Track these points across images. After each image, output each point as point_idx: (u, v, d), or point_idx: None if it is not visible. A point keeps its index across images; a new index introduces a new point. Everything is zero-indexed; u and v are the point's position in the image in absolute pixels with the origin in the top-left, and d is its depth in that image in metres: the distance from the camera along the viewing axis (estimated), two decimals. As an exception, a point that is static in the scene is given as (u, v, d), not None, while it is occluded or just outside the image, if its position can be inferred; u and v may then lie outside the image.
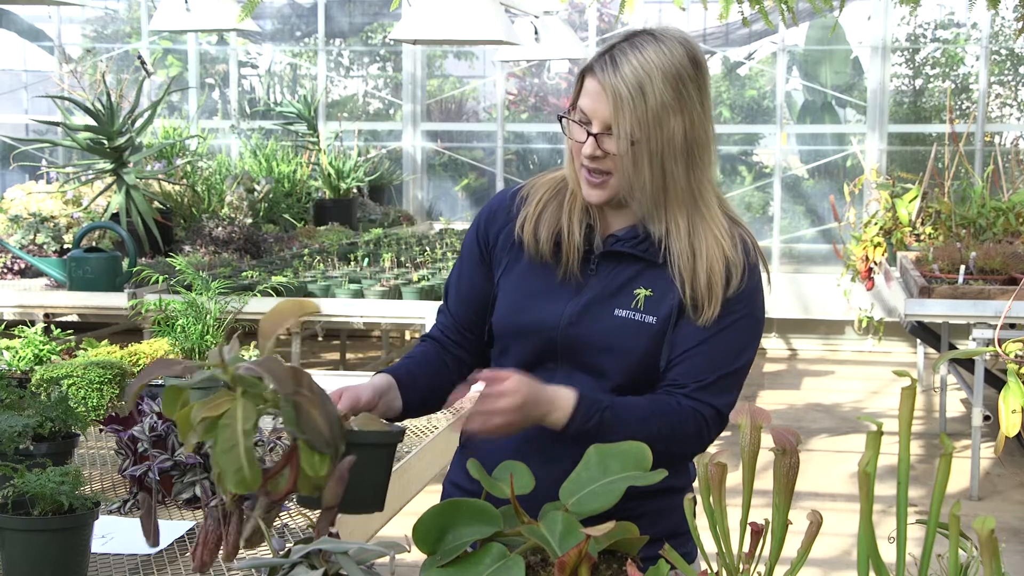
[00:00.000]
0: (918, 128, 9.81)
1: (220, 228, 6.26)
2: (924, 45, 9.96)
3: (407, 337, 9.48)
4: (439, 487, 2.27)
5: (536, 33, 7.71)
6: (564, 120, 2.00)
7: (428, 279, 5.50)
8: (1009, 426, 2.46)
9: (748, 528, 1.42)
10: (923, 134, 9.77)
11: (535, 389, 1.83)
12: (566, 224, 2.02)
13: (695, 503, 1.48)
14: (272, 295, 4.95)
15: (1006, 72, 9.99)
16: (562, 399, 1.86)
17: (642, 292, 1.98)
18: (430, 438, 2.79)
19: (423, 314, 5.20)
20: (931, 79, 10.00)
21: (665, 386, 1.96)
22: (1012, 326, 5.78)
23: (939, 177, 7.50)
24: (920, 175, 7.43)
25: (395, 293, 5.32)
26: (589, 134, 1.94)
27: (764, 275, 2.03)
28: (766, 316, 2.07)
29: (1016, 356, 2.73)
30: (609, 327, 1.97)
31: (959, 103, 9.76)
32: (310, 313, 1.58)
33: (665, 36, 1.98)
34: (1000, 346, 2.98)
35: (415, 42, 6.25)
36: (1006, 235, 6.38)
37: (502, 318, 2.07)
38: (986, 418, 5.52)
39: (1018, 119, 10.00)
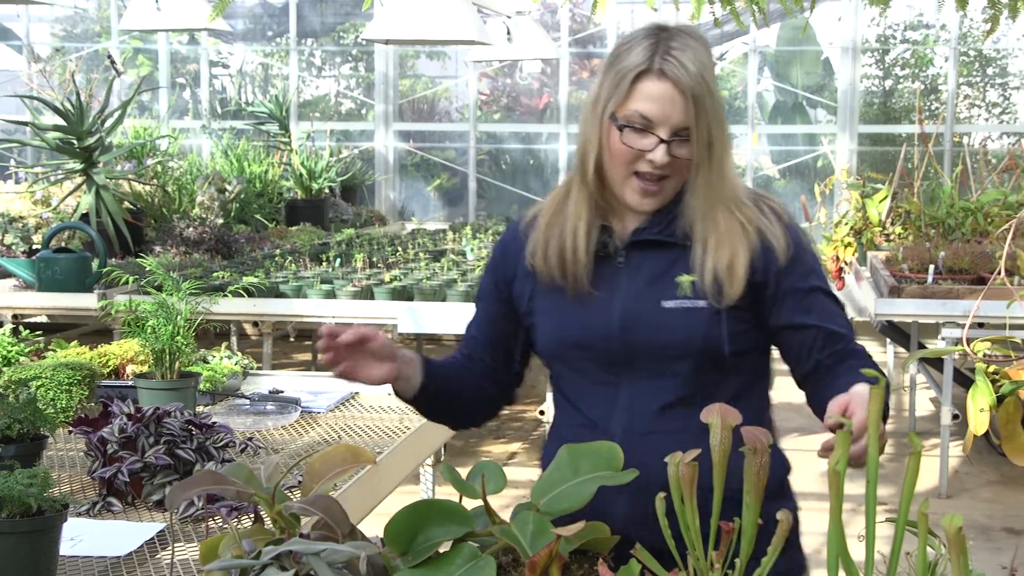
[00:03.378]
0: (888, 128, 9.87)
1: (191, 228, 6.23)
2: (894, 46, 10.02)
3: (379, 337, 9.44)
4: (410, 488, 2.27)
5: (508, 33, 7.71)
6: (620, 129, 1.85)
7: (400, 279, 5.48)
8: (977, 424, 2.48)
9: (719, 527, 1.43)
10: (893, 134, 9.83)
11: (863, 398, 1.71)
12: (570, 240, 1.93)
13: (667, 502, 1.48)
14: (243, 295, 4.93)
15: (974, 73, 10.06)
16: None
17: (685, 278, 1.89)
18: (402, 439, 2.79)
19: (395, 314, 5.19)
20: (901, 80, 10.07)
21: (834, 355, 1.91)
22: (980, 325, 5.82)
23: (909, 177, 7.55)
24: (890, 175, 7.46)
25: (367, 293, 5.31)
26: (660, 140, 1.84)
27: (798, 225, 1.98)
28: None
29: (984, 355, 2.75)
30: (662, 321, 1.88)
31: (928, 104, 9.83)
32: (365, 463, 1.55)
33: (686, 30, 1.90)
34: (968, 345, 3.00)
35: (387, 42, 6.23)
36: (974, 235, 6.42)
37: (549, 342, 2.00)
38: (955, 417, 5.55)
39: (986, 120, 10.08)
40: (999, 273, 2.80)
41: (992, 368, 2.63)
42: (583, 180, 1.93)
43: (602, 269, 1.94)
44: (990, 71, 10.10)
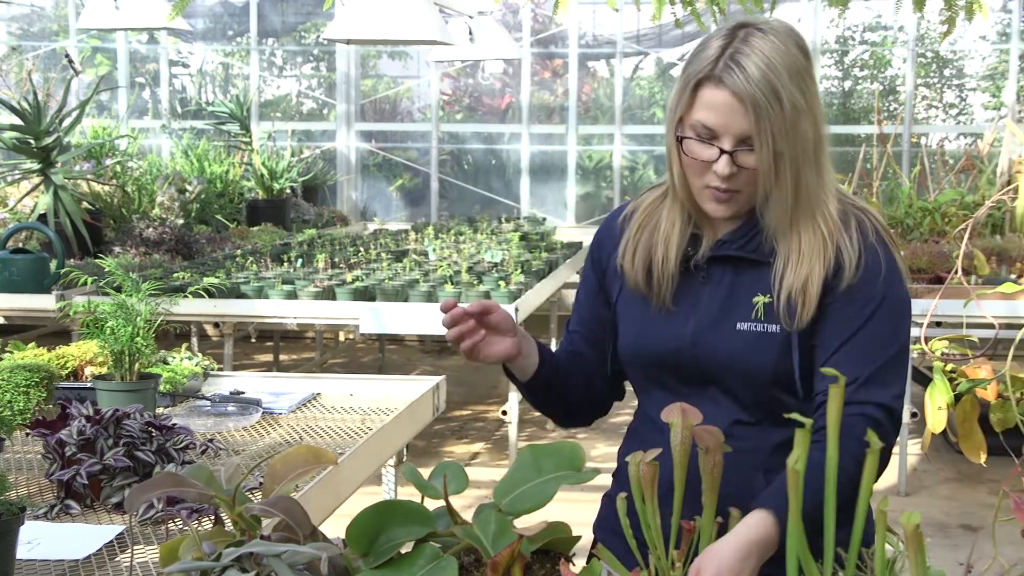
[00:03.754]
0: (847, 129, 9.94)
1: (151, 229, 6.19)
2: (853, 47, 10.10)
3: (341, 338, 9.43)
4: (372, 489, 2.26)
5: (470, 33, 7.71)
6: (681, 141, 1.80)
7: (362, 280, 5.47)
8: (935, 423, 2.50)
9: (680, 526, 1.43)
10: (852, 135, 9.90)
11: (719, 550, 1.52)
12: (659, 254, 1.88)
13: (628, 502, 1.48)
14: (204, 296, 4.90)
15: (932, 74, 10.16)
16: (766, 533, 1.57)
17: (760, 300, 1.82)
18: (363, 440, 2.78)
19: (357, 315, 5.17)
20: (860, 81, 10.15)
21: (819, 402, 1.76)
22: (938, 324, 5.87)
23: (868, 177, 7.61)
24: (849, 175, 7.52)
25: (329, 294, 5.29)
26: (722, 151, 1.76)
27: (894, 252, 1.83)
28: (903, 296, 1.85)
29: (942, 354, 2.77)
30: (734, 344, 1.82)
31: (887, 104, 9.91)
32: (326, 464, 1.53)
33: (771, 29, 1.78)
34: (926, 344, 3.03)
35: (349, 42, 6.22)
36: (932, 235, 6.49)
37: (626, 347, 1.96)
38: (913, 415, 5.60)
39: (943, 121, 10.18)
40: (956, 272, 2.82)
41: (950, 367, 2.65)
42: (673, 187, 1.87)
43: (686, 281, 1.89)
44: (947, 72, 10.21)
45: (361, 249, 6.61)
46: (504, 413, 5.80)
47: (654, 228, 1.91)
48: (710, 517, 1.42)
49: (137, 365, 2.74)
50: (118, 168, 7.02)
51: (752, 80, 1.72)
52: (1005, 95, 9.59)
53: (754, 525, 1.57)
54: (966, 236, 2.77)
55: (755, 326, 1.82)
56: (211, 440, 2.61)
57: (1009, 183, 6.64)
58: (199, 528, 2.04)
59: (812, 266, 1.79)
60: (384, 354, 8.84)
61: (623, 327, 1.96)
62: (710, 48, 1.78)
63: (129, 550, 2.02)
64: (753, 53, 1.73)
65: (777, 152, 1.74)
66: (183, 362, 3.26)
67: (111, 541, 2.07)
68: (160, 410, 2.97)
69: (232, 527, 1.47)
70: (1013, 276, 5.69)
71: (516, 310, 5.20)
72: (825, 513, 1.29)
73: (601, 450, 6.49)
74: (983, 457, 2.50)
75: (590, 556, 1.96)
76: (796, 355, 1.80)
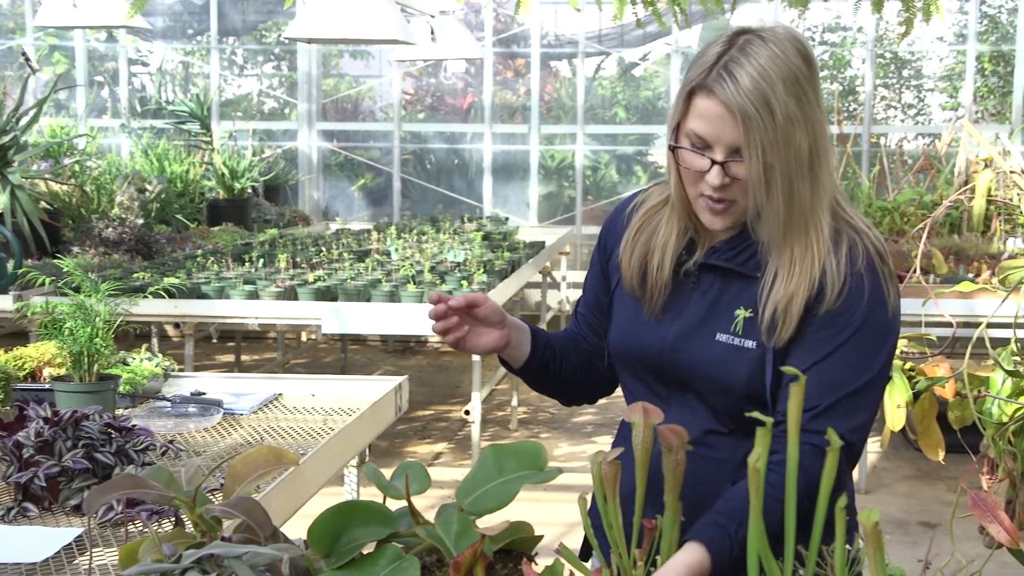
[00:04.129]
0: (808, 129, 9.99)
1: (110, 229, 6.14)
2: (812, 48, 10.16)
3: (303, 338, 9.39)
4: (335, 489, 2.25)
5: (432, 33, 7.69)
6: (675, 150, 1.78)
7: (324, 279, 5.45)
8: (894, 421, 2.53)
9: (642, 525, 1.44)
10: (812, 135, 9.96)
11: None
12: (655, 260, 1.88)
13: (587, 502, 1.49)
14: (164, 296, 4.87)
15: (891, 75, 10.25)
16: (697, 565, 1.56)
17: (742, 313, 1.81)
18: (325, 440, 2.77)
19: (319, 315, 5.16)
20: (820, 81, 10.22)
21: (778, 421, 1.72)
22: (898, 323, 5.92)
23: (828, 177, 7.65)
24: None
25: (290, 294, 5.27)
26: (713, 162, 1.74)
27: (884, 279, 1.79)
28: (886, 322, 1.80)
29: (901, 352, 2.80)
30: (711, 354, 1.82)
31: (846, 105, 9.99)
32: (288, 464, 1.53)
33: (773, 36, 1.75)
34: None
35: (310, 41, 6.19)
36: (892, 234, 6.54)
37: (614, 343, 1.97)
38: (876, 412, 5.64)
39: (902, 121, 10.27)
40: (915, 272, 2.85)
41: (908, 365, 2.67)
42: (678, 201, 1.86)
43: (677, 286, 1.89)
44: (905, 73, 10.30)
45: (323, 249, 6.58)
46: (467, 413, 5.80)
47: (653, 232, 1.91)
48: (671, 516, 1.43)
49: (96, 366, 2.72)
50: (76, 167, 6.96)
51: (743, 91, 1.69)
52: (962, 95, 9.69)
53: (685, 559, 1.55)
54: (924, 235, 2.79)
55: (732, 339, 1.81)
56: (171, 441, 2.59)
57: (966, 183, 6.70)
58: (159, 530, 2.03)
59: (799, 284, 1.76)
60: (346, 354, 8.81)
61: (615, 321, 1.98)
62: (708, 55, 1.76)
63: (88, 553, 2.00)
64: (748, 62, 1.71)
65: (767, 164, 1.71)
66: (143, 363, 3.23)
67: (70, 544, 2.05)
68: (120, 411, 2.94)
69: (192, 529, 1.47)
70: (970, 275, 5.75)
71: (478, 310, 5.19)
72: (786, 515, 1.29)
73: (564, 449, 6.50)
74: (941, 454, 2.52)
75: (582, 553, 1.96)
76: (769, 373, 1.79)
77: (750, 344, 1.80)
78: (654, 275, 1.88)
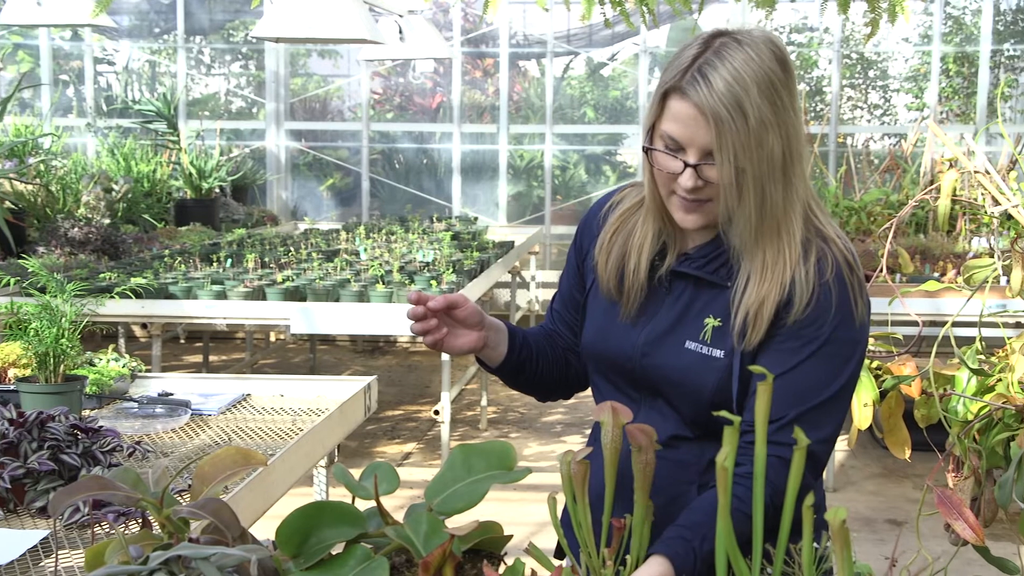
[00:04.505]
0: (775, 129, 10.04)
1: (76, 229, 6.09)
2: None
3: (272, 338, 9.36)
4: (304, 490, 2.25)
5: (400, 32, 7.68)
6: (649, 151, 1.78)
7: (293, 279, 5.43)
8: (861, 419, 2.54)
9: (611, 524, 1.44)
10: (780, 135, 10.00)
11: None
12: (632, 262, 1.88)
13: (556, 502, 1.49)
14: (131, 297, 4.83)
15: (857, 75, 10.31)
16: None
17: (711, 322, 1.81)
18: (294, 441, 2.76)
19: (288, 315, 5.14)
20: (787, 82, 10.26)
21: (744, 431, 1.68)
22: (865, 322, 5.95)
23: (795, 177, 7.69)
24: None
25: (259, 294, 5.25)
26: (686, 165, 1.74)
27: (853, 291, 1.78)
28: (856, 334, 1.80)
29: (868, 351, 2.81)
30: (680, 362, 1.82)
31: (813, 105, 10.04)
32: (256, 465, 1.52)
33: (749, 39, 1.73)
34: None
35: (277, 40, 6.17)
36: (858, 233, 6.58)
37: (586, 344, 1.98)
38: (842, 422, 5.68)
39: (868, 121, 10.33)
40: (881, 271, 2.87)
41: (875, 364, 2.69)
42: (652, 201, 1.85)
43: (651, 291, 1.89)
44: (871, 73, 10.36)
45: (292, 249, 6.56)
46: (436, 413, 5.79)
47: (629, 234, 1.91)
48: (641, 516, 1.43)
49: (62, 367, 2.70)
50: (42, 167, 6.90)
51: (716, 94, 1.68)
52: (927, 96, 9.76)
53: (649, 572, 1.56)
54: (890, 235, 2.81)
55: (701, 348, 1.81)
56: (138, 442, 2.58)
57: (932, 183, 6.75)
58: (126, 532, 2.02)
59: (771, 289, 1.75)
60: (315, 354, 8.79)
61: (588, 323, 1.98)
62: (683, 57, 1.74)
63: (54, 555, 1.99)
64: (723, 65, 1.69)
65: (739, 168, 1.70)
66: (110, 363, 3.21)
67: (35, 546, 2.03)
68: (86, 412, 2.92)
69: (160, 530, 1.46)
70: (936, 275, 5.79)
71: (448, 310, 5.18)
72: (754, 515, 1.30)
73: (534, 449, 6.51)
74: (908, 453, 2.54)
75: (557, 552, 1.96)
76: (736, 383, 1.79)
77: (718, 353, 1.80)
78: (631, 278, 1.88)
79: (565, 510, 2.02)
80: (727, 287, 1.81)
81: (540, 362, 2.03)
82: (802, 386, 1.75)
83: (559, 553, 1.96)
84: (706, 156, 1.72)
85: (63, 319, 2.70)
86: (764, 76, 1.70)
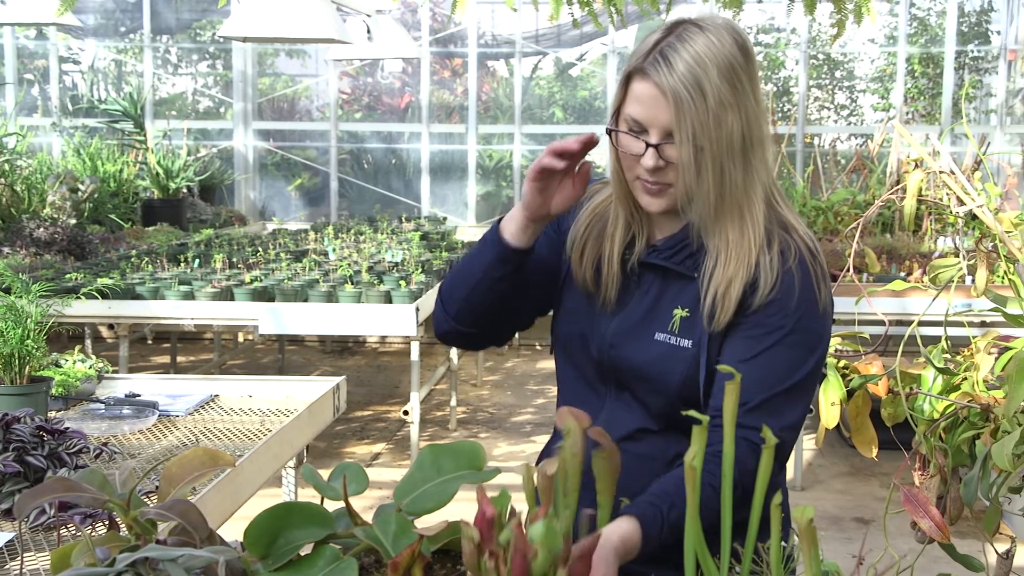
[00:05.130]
0: (743, 130, 10.09)
1: (42, 229, 6.05)
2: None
3: (240, 339, 9.31)
4: (272, 491, 2.24)
5: (368, 32, 7.66)
6: (612, 134, 1.80)
7: (261, 280, 5.41)
8: (828, 418, 2.55)
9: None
10: (748, 136, 10.05)
11: (607, 555, 1.55)
12: (607, 251, 1.88)
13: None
14: (98, 297, 4.80)
15: (823, 76, 10.37)
16: (627, 536, 1.60)
17: (679, 313, 1.82)
18: (262, 442, 2.75)
19: (256, 315, 5.12)
20: (755, 82, 10.31)
21: (712, 417, 1.71)
22: (832, 321, 5.99)
23: (763, 177, 7.73)
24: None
25: (227, 294, 5.22)
26: (648, 145, 1.75)
27: (816, 278, 1.80)
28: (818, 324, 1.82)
29: (835, 350, 2.83)
30: (649, 354, 1.83)
31: (781, 105, 10.09)
32: (224, 466, 1.51)
33: (711, 25, 1.76)
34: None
35: (245, 40, 6.14)
36: (826, 233, 6.62)
37: (558, 334, 1.97)
38: (808, 411, 5.71)
39: (835, 121, 10.40)
40: (848, 270, 2.88)
41: (842, 363, 2.71)
42: (619, 188, 1.86)
43: (623, 283, 1.89)
44: (838, 74, 10.42)
45: (260, 249, 6.54)
46: (406, 413, 5.78)
47: (603, 225, 1.91)
48: (606, 516, 1.43)
49: (28, 368, 2.68)
50: (6, 167, 6.84)
51: (677, 74, 1.70)
52: (893, 96, 9.83)
53: (617, 529, 1.59)
54: (857, 235, 2.83)
55: (670, 338, 1.82)
56: (105, 444, 2.56)
57: (898, 183, 6.80)
58: (92, 534, 2.00)
59: (737, 269, 1.77)
60: (284, 355, 8.75)
61: (563, 311, 1.97)
62: (647, 42, 1.77)
63: (19, 557, 1.97)
64: (684, 48, 1.72)
65: (698, 147, 1.72)
66: (76, 364, 3.19)
67: (0, 548, 2.02)
68: (52, 414, 2.90)
69: (127, 532, 1.45)
70: (902, 274, 5.83)
71: (417, 310, 5.18)
72: (722, 511, 1.31)
73: (503, 449, 6.51)
74: (875, 451, 2.56)
75: None
76: (703, 372, 1.80)
77: (686, 343, 1.81)
78: (606, 267, 1.88)
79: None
80: (694, 278, 1.82)
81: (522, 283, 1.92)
82: (767, 373, 1.76)
83: None
84: (667, 136, 1.74)
85: (28, 320, 2.68)
86: (725, 59, 1.73)
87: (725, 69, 1.72)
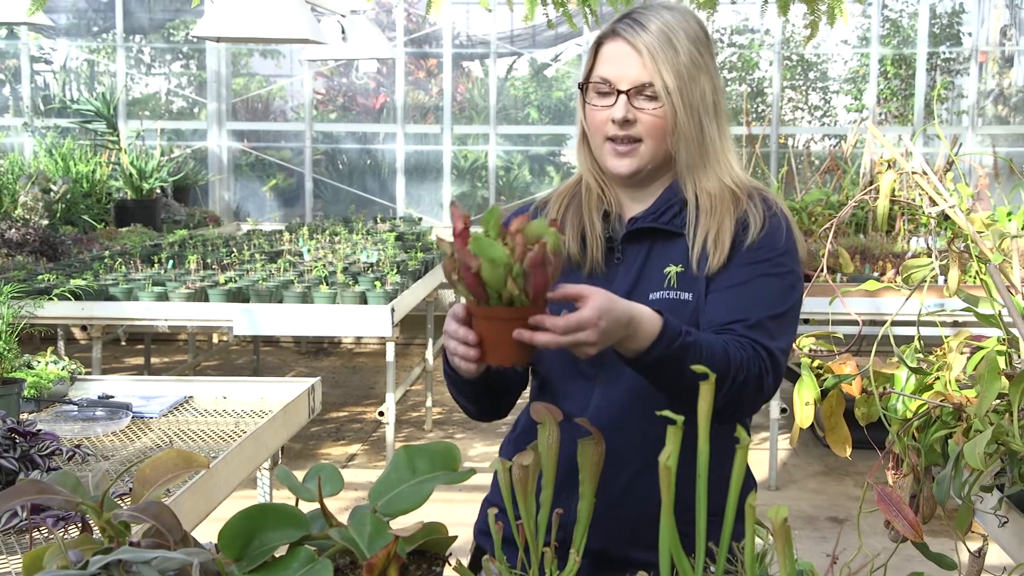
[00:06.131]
0: (717, 130, 10.11)
1: (13, 230, 6.01)
2: (721, 50, 10.29)
3: (215, 340, 9.28)
4: (247, 493, 2.23)
5: (343, 32, 7.65)
6: (583, 97, 1.90)
7: (235, 281, 5.39)
8: (803, 418, 2.56)
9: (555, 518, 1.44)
10: (722, 136, 10.08)
11: (615, 303, 1.62)
12: (587, 219, 1.94)
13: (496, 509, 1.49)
14: (70, 298, 4.78)
15: (797, 77, 10.41)
16: (646, 320, 1.66)
17: (672, 269, 1.88)
18: (237, 443, 2.74)
19: (230, 316, 5.10)
20: (728, 83, 10.35)
21: (713, 324, 1.83)
22: (806, 321, 6.02)
23: (737, 178, 7.75)
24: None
25: (201, 295, 5.20)
26: (619, 92, 1.84)
27: (794, 228, 1.93)
28: None
29: (809, 350, 2.84)
30: None
31: (755, 106, 10.13)
32: (198, 468, 1.50)
33: (676, 7, 1.90)
34: (794, 341, 3.10)
35: (218, 39, 6.12)
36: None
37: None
38: (783, 411, 5.74)
39: (809, 122, 10.44)
40: (822, 271, 2.90)
41: (816, 363, 2.72)
42: (585, 163, 1.95)
43: (606, 261, 1.95)
44: (812, 75, 10.47)
45: (234, 250, 6.51)
46: (381, 414, 5.77)
47: (579, 204, 1.97)
48: (587, 507, 1.44)
49: (-1, 370, 2.66)
50: (-22, 167, 6.79)
51: (649, 33, 1.82)
52: (866, 97, 9.88)
53: (646, 313, 1.66)
54: (831, 235, 2.84)
55: (668, 294, 1.87)
56: (78, 446, 2.55)
57: (871, 183, 6.83)
58: (65, 536, 1.99)
59: (724, 214, 1.87)
60: (259, 356, 8.73)
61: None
62: (618, 16, 1.90)
63: (-8, 561, 1.96)
64: (653, 15, 1.85)
65: (676, 88, 1.82)
66: (49, 366, 3.17)
67: (-27, 552, 2.00)
68: (24, 416, 2.88)
69: (100, 534, 1.44)
70: (876, 274, 5.86)
71: (392, 311, 5.18)
72: (697, 508, 1.31)
73: (478, 450, 6.50)
74: (849, 451, 2.57)
75: (472, 563, 1.97)
76: (704, 322, 1.85)
77: (687, 296, 1.87)
78: (590, 233, 1.93)
79: (483, 516, 2.03)
80: (682, 234, 1.90)
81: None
82: (763, 296, 1.84)
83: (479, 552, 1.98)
84: (638, 89, 1.84)
85: (0, 321, 2.67)
86: (691, 30, 1.86)
87: (692, 38, 1.85)
